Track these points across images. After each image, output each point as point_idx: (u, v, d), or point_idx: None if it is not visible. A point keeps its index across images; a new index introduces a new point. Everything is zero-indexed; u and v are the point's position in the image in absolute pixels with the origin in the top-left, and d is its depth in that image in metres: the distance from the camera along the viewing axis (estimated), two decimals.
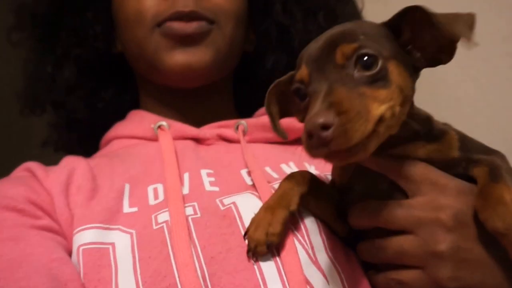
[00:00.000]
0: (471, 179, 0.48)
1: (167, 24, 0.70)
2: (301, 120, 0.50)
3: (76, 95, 0.83)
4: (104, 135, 0.79)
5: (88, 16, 0.81)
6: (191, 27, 0.70)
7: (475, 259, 0.45)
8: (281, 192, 0.53)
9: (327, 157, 0.42)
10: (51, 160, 0.69)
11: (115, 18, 0.78)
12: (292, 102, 0.50)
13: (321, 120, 0.38)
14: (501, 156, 0.51)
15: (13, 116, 0.89)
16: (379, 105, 0.42)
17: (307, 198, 0.54)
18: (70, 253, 0.55)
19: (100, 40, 0.82)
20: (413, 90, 0.47)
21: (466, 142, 0.51)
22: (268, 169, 0.66)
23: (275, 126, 0.55)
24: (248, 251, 0.50)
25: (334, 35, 0.46)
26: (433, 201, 0.48)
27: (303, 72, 0.46)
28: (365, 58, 0.43)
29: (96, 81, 0.85)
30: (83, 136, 0.88)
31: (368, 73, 0.43)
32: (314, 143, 0.39)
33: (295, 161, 0.68)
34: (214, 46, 0.72)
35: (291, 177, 0.54)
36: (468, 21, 0.44)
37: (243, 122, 0.73)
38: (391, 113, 0.42)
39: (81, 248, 0.53)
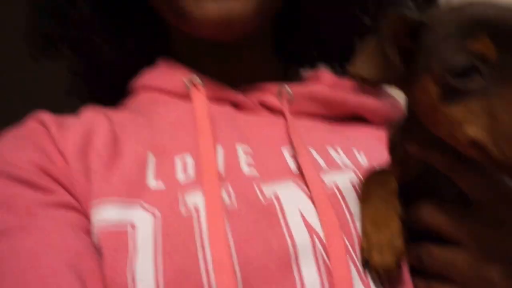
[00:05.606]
0: None
1: None
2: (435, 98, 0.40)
3: (95, 34, 0.68)
4: (131, 82, 0.67)
5: None
6: None
7: None
8: (377, 198, 0.47)
9: None
10: None
11: None
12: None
13: None
14: None
15: None
16: None
17: None
18: (89, 231, 0.47)
19: None
20: None
21: None
22: (313, 151, 0.55)
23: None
24: (382, 284, 0.44)
25: None
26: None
27: (487, 46, 0.38)
28: None
29: (118, 19, 0.69)
30: (109, 83, 0.74)
31: None
32: None
33: (342, 146, 0.57)
34: None
35: (373, 180, 0.49)
36: None
37: (287, 87, 0.60)
38: None
39: (96, 226, 0.45)
